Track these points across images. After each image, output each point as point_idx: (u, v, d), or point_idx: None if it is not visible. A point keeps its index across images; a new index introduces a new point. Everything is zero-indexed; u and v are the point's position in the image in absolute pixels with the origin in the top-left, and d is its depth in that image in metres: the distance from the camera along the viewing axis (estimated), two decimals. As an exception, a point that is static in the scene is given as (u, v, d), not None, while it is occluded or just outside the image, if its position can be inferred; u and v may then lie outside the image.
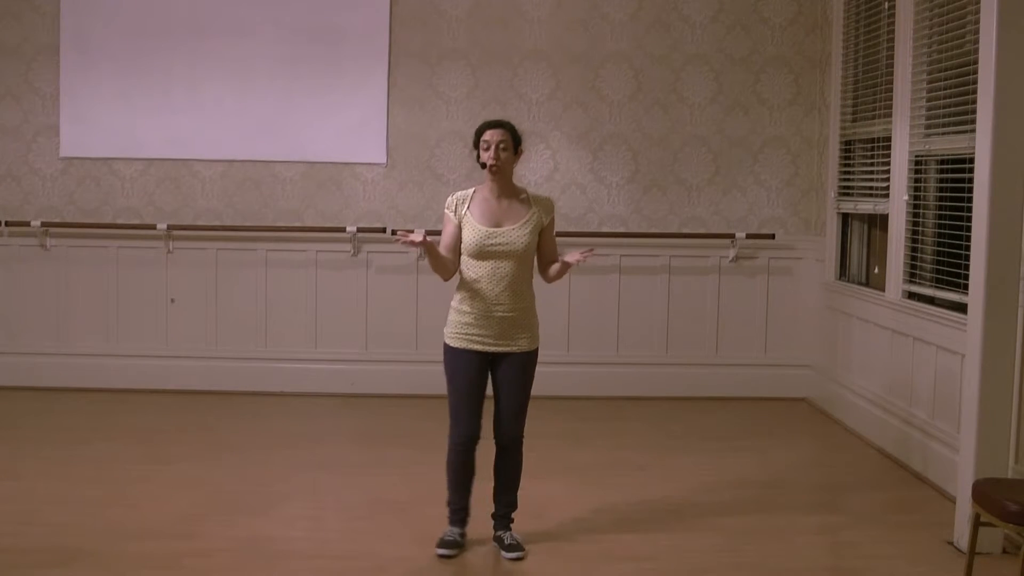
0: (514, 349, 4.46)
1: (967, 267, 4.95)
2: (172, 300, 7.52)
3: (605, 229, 7.52)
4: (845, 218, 7.15)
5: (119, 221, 7.49)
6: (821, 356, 7.39)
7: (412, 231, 4.26)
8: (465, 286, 4.45)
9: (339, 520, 4.94)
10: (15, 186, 7.48)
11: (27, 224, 7.41)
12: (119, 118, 7.41)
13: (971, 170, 4.75)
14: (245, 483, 5.43)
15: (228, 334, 7.54)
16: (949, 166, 5.75)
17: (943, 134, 5.71)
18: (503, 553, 4.50)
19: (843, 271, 7.19)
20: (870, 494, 5.47)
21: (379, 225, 7.44)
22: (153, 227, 7.42)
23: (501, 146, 4.40)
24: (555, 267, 4.54)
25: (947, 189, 5.74)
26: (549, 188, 7.49)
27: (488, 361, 4.47)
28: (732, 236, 7.48)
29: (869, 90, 6.71)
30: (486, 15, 7.44)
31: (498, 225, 4.41)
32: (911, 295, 6.09)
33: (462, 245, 4.43)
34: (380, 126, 7.46)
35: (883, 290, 6.38)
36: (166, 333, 7.54)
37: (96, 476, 5.47)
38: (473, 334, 4.42)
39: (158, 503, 5.06)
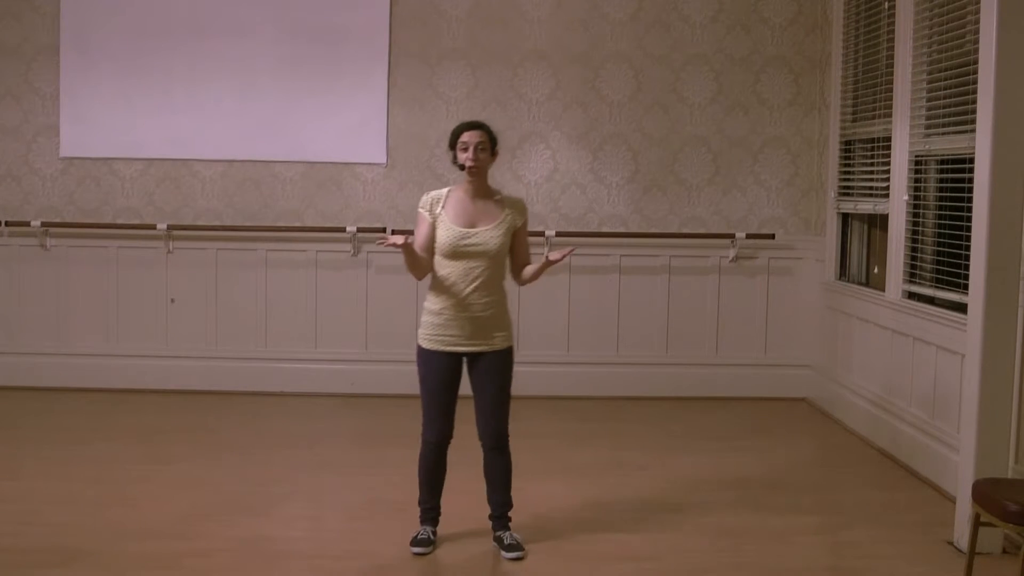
0: (488, 348, 4.46)
1: (967, 267, 4.95)
2: (172, 300, 7.52)
3: (605, 229, 7.52)
4: (845, 218, 7.16)
5: (119, 221, 7.49)
6: (821, 356, 7.39)
7: (392, 233, 4.29)
8: (438, 286, 4.46)
9: (339, 520, 4.94)
10: (15, 186, 7.48)
11: (27, 224, 7.41)
12: (119, 118, 7.41)
13: (971, 170, 4.75)
14: (245, 483, 5.43)
15: (228, 334, 7.54)
16: (949, 166, 5.75)
17: (943, 134, 5.71)
18: (503, 553, 4.51)
19: (843, 271, 7.20)
20: (870, 494, 5.47)
21: (379, 225, 7.44)
22: (153, 227, 7.42)
23: (480, 147, 4.43)
24: (532, 268, 4.53)
25: (947, 189, 5.74)
26: (549, 188, 7.50)
27: (462, 362, 4.49)
28: (732, 236, 7.48)
29: (869, 90, 6.71)
30: (486, 15, 7.44)
31: (472, 226, 4.42)
32: (911, 295, 6.09)
33: (436, 245, 4.44)
34: (380, 126, 7.47)
35: (883, 290, 6.38)
36: (166, 333, 7.54)
37: (96, 476, 5.47)
38: (446, 335, 4.43)
39: (158, 503, 5.06)
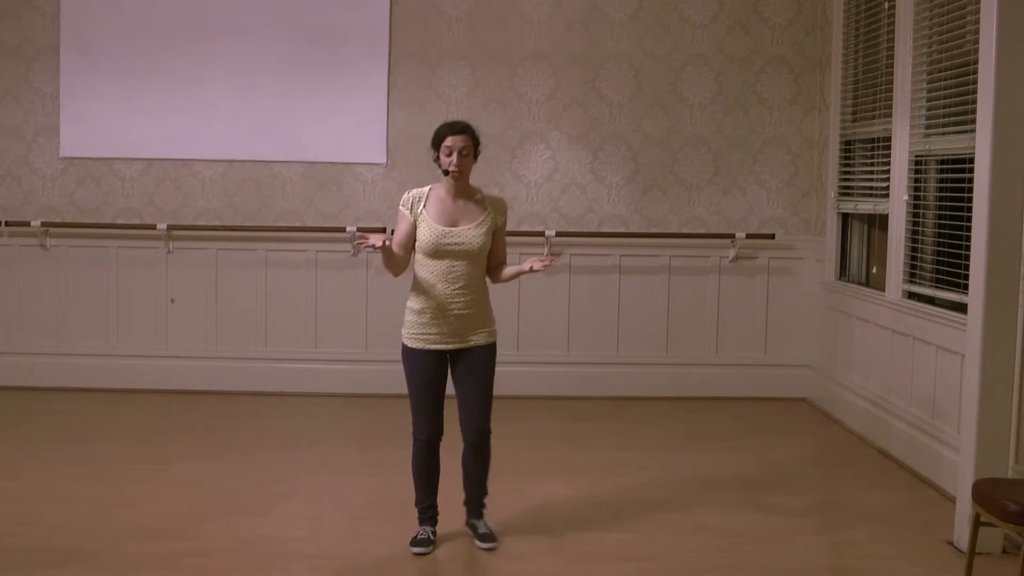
0: (471, 344, 4.49)
1: (967, 267, 4.95)
2: (172, 300, 7.52)
3: (605, 229, 7.52)
4: (845, 218, 7.16)
5: (119, 221, 7.49)
6: (821, 356, 7.39)
7: (368, 236, 4.30)
8: (420, 285, 4.48)
9: (339, 520, 4.94)
10: (15, 186, 7.48)
11: (27, 224, 7.41)
12: (119, 118, 7.41)
13: (971, 170, 4.75)
14: (245, 483, 5.43)
15: (228, 334, 7.55)
16: (949, 166, 5.75)
17: (943, 134, 5.71)
18: (476, 543, 4.58)
19: (843, 271, 7.19)
20: (870, 494, 5.47)
21: (379, 225, 7.43)
22: (153, 227, 7.42)
23: (463, 152, 4.45)
24: (511, 270, 4.55)
25: (947, 189, 5.74)
26: (549, 188, 7.50)
27: (446, 360, 4.51)
28: (732, 236, 7.48)
29: (869, 90, 6.71)
30: (486, 15, 7.44)
31: (454, 224, 4.45)
32: (911, 295, 6.09)
33: (417, 243, 4.47)
34: (380, 126, 7.47)
35: (883, 290, 6.38)
36: (166, 333, 7.54)
37: (96, 476, 5.47)
38: (430, 334, 4.45)
39: (158, 503, 5.06)
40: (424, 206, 4.48)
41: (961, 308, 5.24)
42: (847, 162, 7.09)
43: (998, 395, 4.50)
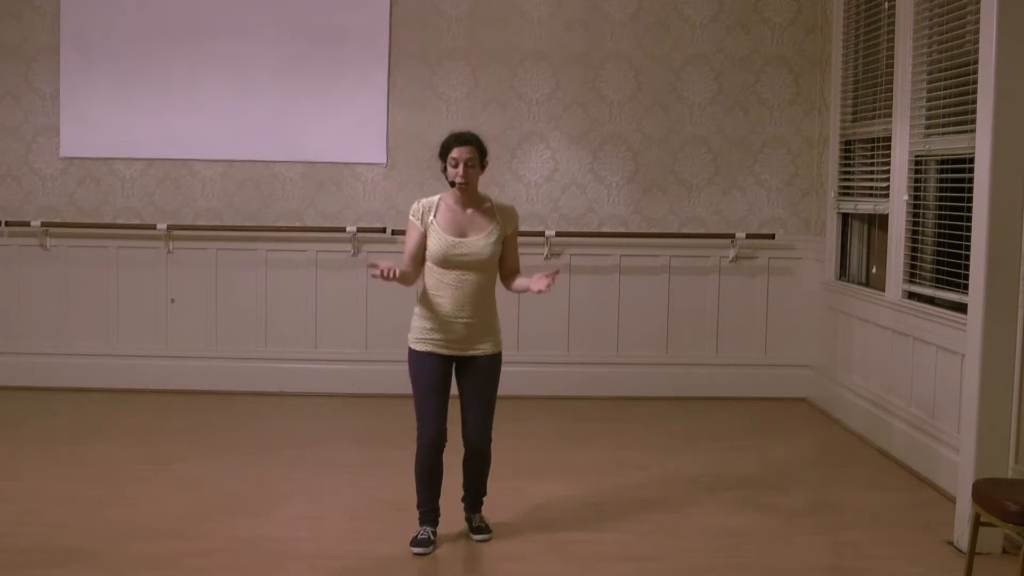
0: (477, 353, 4.50)
1: (967, 267, 4.95)
2: (172, 300, 7.52)
3: (605, 229, 7.52)
4: (845, 218, 7.15)
5: (119, 221, 7.49)
6: (821, 356, 7.40)
7: (376, 264, 4.26)
8: (429, 293, 4.49)
9: (339, 520, 4.94)
10: (15, 186, 7.48)
11: (27, 224, 7.41)
12: (119, 118, 7.41)
13: (971, 170, 4.75)
14: (245, 483, 5.43)
15: (228, 334, 7.55)
16: (949, 166, 5.75)
17: (943, 134, 5.71)
18: (471, 535, 4.64)
19: (843, 271, 7.19)
20: (870, 494, 5.47)
21: (379, 225, 7.44)
22: (153, 227, 7.42)
23: (469, 163, 4.43)
24: (524, 283, 4.49)
25: (947, 189, 5.74)
26: (549, 188, 7.50)
27: (452, 365, 4.51)
28: (732, 236, 7.48)
29: (869, 90, 6.71)
30: (486, 15, 7.44)
31: (463, 235, 4.45)
32: (911, 295, 6.09)
33: (427, 252, 4.48)
34: (380, 126, 7.47)
35: (883, 290, 6.38)
36: (166, 333, 7.54)
37: (96, 476, 5.47)
38: (437, 339, 4.46)
39: (158, 503, 5.06)
40: (434, 216, 4.48)
41: (961, 308, 5.24)
42: (847, 162, 7.09)
43: (998, 395, 4.50)
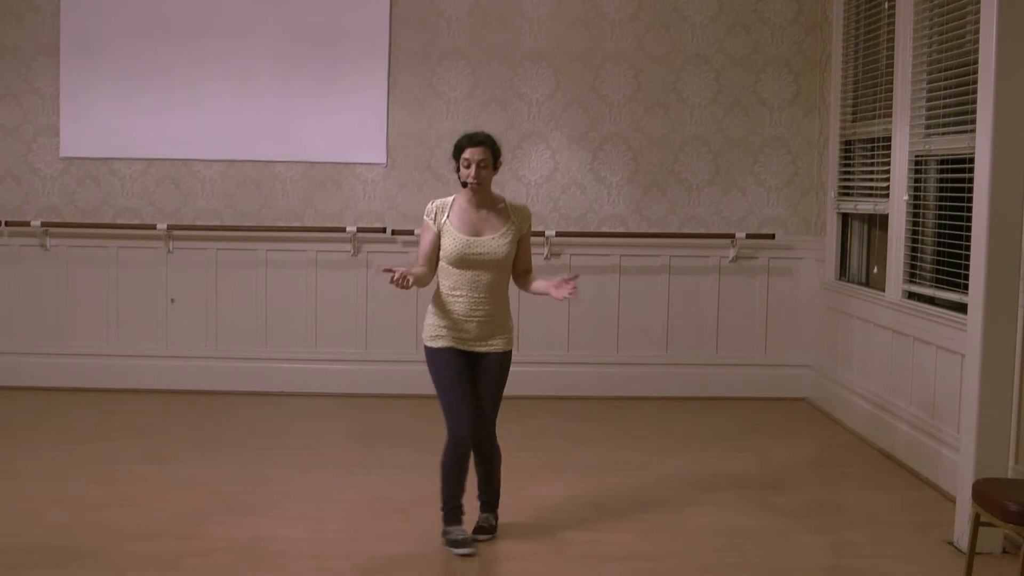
0: (490, 350, 4.52)
1: (967, 267, 4.95)
2: (172, 300, 7.52)
3: (605, 229, 7.52)
4: (845, 218, 7.15)
5: (119, 221, 7.49)
6: (821, 356, 7.40)
7: (392, 269, 4.25)
8: (444, 292, 4.51)
9: (339, 520, 4.94)
10: (15, 186, 7.48)
11: (27, 224, 7.41)
12: (119, 118, 7.41)
13: (971, 170, 4.75)
14: (245, 483, 5.43)
15: (228, 334, 7.54)
16: (949, 166, 5.75)
17: (943, 134, 5.71)
18: (473, 535, 4.62)
19: (843, 271, 7.19)
20: (870, 494, 5.47)
21: (379, 225, 7.44)
22: (153, 227, 7.42)
23: (481, 164, 4.43)
24: (542, 285, 4.52)
25: (947, 189, 5.74)
26: (549, 188, 7.50)
27: (467, 359, 4.53)
28: (732, 236, 7.48)
29: (869, 90, 6.71)
30: (486, 15, 7.44)
31: (478, 234, 4.46)
32: (911, 295, 6.09)
33: (442, 252, 4.49)
34: (380, 126, 7.47)
35: (883, 290, 6.38)
36: (166, 333, 7.54)
37: (96, 476, 5.47)
38: (452, 335, 4.49)
39: (158, 503, 5.06)
40: (448, 216, 4.49)
41: (961, 308, 5.24)
42: (847, 162, 7.09)
43: (998, 395, 4.50)
